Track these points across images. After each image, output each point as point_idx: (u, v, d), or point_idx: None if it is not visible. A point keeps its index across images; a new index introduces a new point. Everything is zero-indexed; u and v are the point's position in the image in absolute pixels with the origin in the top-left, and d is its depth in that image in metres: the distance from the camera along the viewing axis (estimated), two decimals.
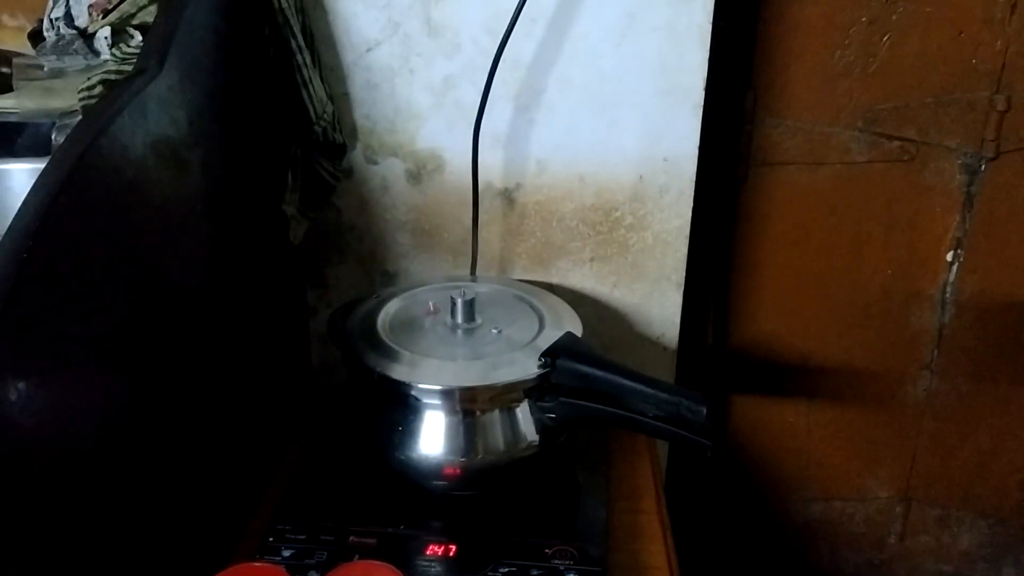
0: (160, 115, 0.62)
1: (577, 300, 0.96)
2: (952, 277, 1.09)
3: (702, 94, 0.88)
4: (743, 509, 1.26)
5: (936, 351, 1.13)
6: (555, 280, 0.97)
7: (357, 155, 0.93)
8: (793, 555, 1.29)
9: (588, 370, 0.73)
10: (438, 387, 0.73)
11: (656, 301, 0.98)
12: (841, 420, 1.19)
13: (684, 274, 0.96)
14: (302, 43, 0.82)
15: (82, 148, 0.52)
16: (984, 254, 1.07)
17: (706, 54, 0.86)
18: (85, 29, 0.83)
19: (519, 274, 0.97)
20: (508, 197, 0.94)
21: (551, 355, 0.74)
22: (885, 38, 0.98)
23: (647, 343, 1.00)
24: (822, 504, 1.25)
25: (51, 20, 0.84)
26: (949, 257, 1.08)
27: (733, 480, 1.24)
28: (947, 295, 1.10)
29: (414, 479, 0.77)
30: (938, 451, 1.19)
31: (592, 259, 0.96)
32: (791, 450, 1.22)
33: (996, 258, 1.07)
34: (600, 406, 0.73)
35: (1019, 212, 1.04)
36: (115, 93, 0.58)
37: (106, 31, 0.81)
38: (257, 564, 0.60)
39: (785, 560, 1.29)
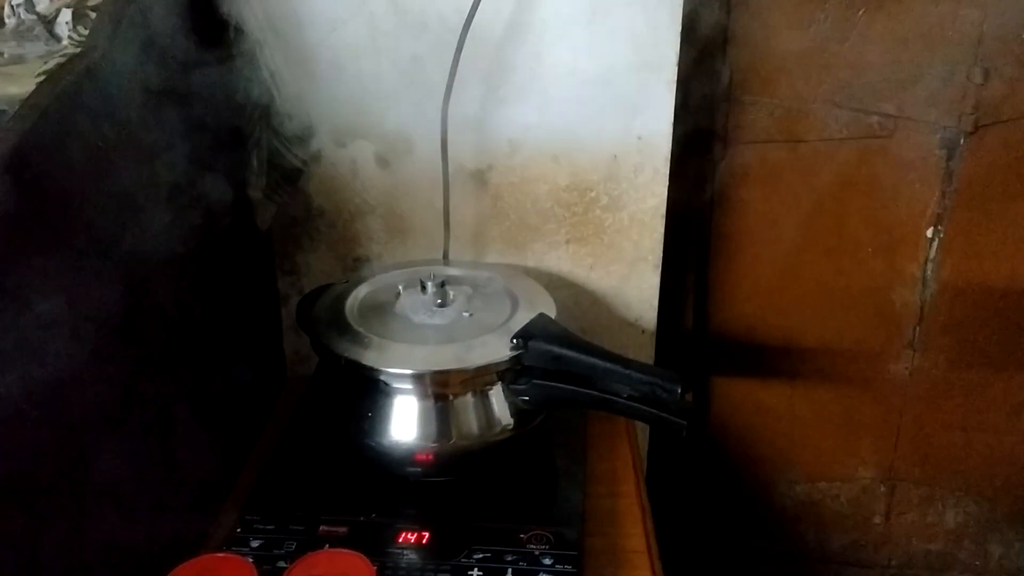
0: (111, 96, 0.60)
1: (553, 283, 0.94)
2: (933, 254, 1.08)
3: (675, 70, 0.86)
4: (727, 492, 1.25)
5: (918, 329, 1.12)
6: (530, 263, 0.96)
7: (325, 138, 0.91)
8: (778, 537, 1.28)
9: (561, 351, 0.71)
10: (408, 371, 0.72)
11: (633, 283, 0.97)
12: (824, 401, 1.18)
13: (661, 255, 0.95)
14: (263, 23, 0.79)
15: (26, 127, 0.50)
16: (964, 230, 1.06)
17: (678, 28, 0.84)
18: (46, 14, 0.81)
19: (493, 257, 0.95)
20: (481, 179, 0.92)
21: (523, 337, 0.73)
22: (860, 12, 0.97)
23: (625, 326, 0.99)
24: (806, 486, 1.24)
25: (11, 6, 0.82)
26: (929, 233, 1.07)
27: (716, 463, 1.23)
28: (928, 272, 1.09)
29: (386, 466, 0.76)
30: (922, 430, 1.18)
31: (568, 241, 0.94)
32: (774, 432, 1.20)
33: (976, 233, 1.06)
34: (574, 387, 0.72)
35: (998, 185, 1.03)
36: (59, 73, 0.56)
37: (67, 15, 0.79)
38: (220, 555, 0.59)
39: (771, 542, 1.28)
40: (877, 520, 1.26)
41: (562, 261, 0.96)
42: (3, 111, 0.68)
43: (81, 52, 0.60)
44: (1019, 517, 1.24)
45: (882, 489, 1.23)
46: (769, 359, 1.17)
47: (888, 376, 1.16)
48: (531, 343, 0.72)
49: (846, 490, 1.24)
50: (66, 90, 0.55)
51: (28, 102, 0.54)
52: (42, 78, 0.66)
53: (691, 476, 1.22)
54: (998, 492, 1.22)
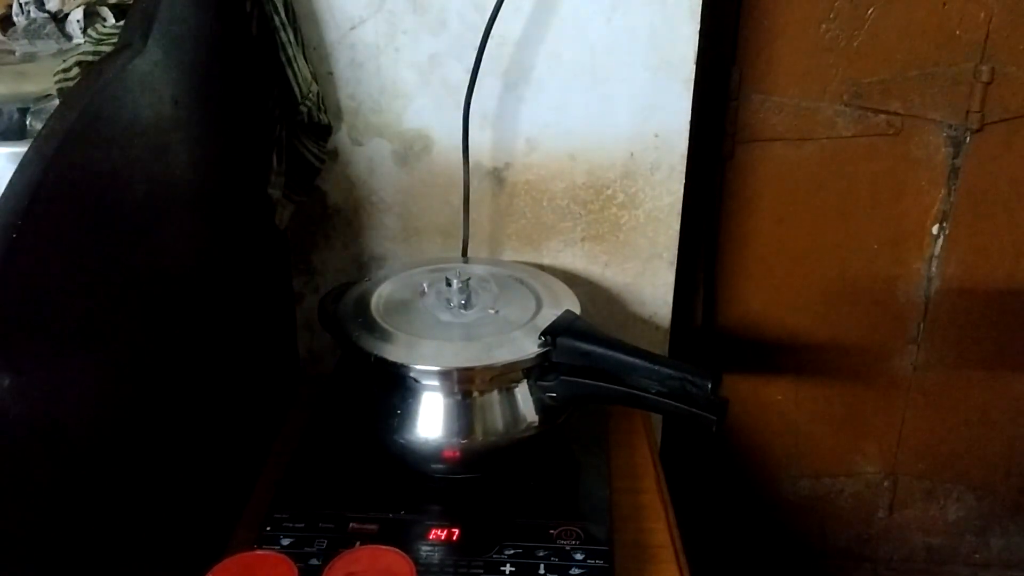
0: (144, 94, 0.59)
1: (568, 280, 0.94)
2: (938, 250, 1.09)
3: (693, 68, 0.87)
4: (733, 487, 1.26)
5: (922, 325, 1.14)
6: (546, 260, 0.96)
7: (342, 136, 0.91)
8: (783, 532, 1.29)
9: (590, 347, 0.72)
10: (437, 368, 0.72)
11: (648, 280, 0.97)
12: (828, 396, 1.20)
13: (676, 252, 0.96)
14: (285, 20, 0.79)
15: (68, 124, 0.50)
16: (969, 227, 1.07)
17: (697, 27, 0.85)
18: (57, 12, 0.80)
19: (509, 255, 0.96)
20: (498, 177, 0.92)
21: (551, 333, 0.73)
22: (870, 11, 0.98)
23: (639, 323, 0.99)
24: (811, 481, 1.25)
25: (21, 4, 0.81)
26: (935, 230, 1.08)
27: (723, 459, 1.24)
28: (933, 269, 1.10)
29: (414, 463, 0.76)
30: (925, 425, 1.20)
31: (583, 238, 0.95)
32: (779, 427, 1.22)
33: (981, 231, 1.08)
34: (603, 384, 0.72)
35: (1003, 184, 1.05)
36: (98, 69, 0.55)
37: (78, 14, 0.78)
38: (259, 552, 0.58)
39: (776, 537, 1.29)
40: (880, 514, 1.27)
41: (577, 259, 0.96)
42: (14, 108, 0.68)
43: (115, 50, 0.59)
44: (1020, 510, 1.26)
45: (885, 484, 1.25)
46: (775, 355, 1.18)
47: (892, 372, 1.17)
48: (559, 340, 0.73)
49: (850, 485, 1.25)
50: (105, 87, 0.54)
51: (68, 100, 0.53)
52: (60, 77, 0.65)
53: (698, 471, 1.23)
54: (999, 486, 1.24)
